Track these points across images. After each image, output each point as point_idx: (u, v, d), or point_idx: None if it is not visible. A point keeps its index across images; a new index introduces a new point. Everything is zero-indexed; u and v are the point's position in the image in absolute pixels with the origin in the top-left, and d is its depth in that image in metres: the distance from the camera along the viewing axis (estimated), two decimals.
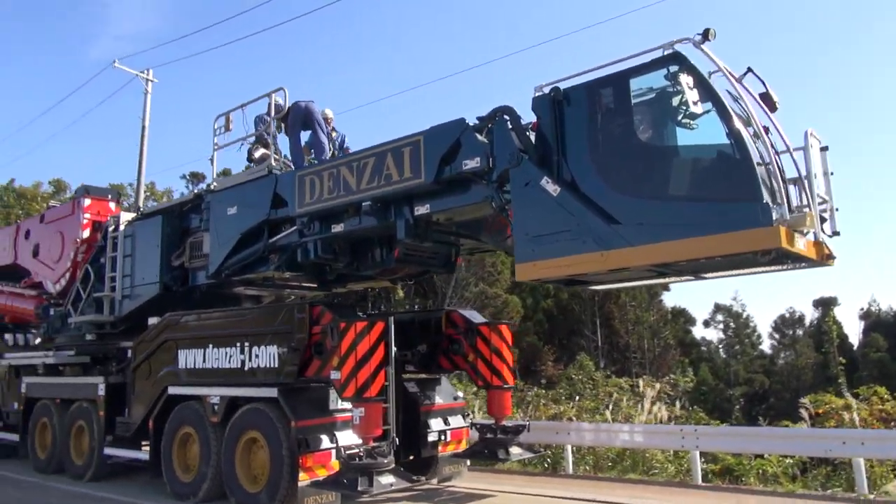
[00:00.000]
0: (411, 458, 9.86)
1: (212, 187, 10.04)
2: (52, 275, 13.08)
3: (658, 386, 15.33)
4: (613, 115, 6.29)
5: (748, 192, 5.36)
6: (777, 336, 48.63)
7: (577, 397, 15.51)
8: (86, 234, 12.47)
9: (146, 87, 23.21)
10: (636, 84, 6.15)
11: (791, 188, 6.17)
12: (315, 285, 11.22)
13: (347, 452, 7.72)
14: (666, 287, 40.03)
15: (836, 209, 6.42)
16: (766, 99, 6.29)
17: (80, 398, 11.77)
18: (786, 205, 5.38)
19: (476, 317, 10.33)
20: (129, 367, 10.88)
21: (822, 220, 6.06)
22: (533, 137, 6.87)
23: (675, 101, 5.96)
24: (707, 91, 5.80)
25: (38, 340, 13.75)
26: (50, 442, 12.31)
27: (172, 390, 9.94)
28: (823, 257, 5.93)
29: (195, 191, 10.40)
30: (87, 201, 12.64)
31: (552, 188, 6.32)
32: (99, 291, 11.49)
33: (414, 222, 8.00)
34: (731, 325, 47.38)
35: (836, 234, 6.35)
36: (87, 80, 69.97)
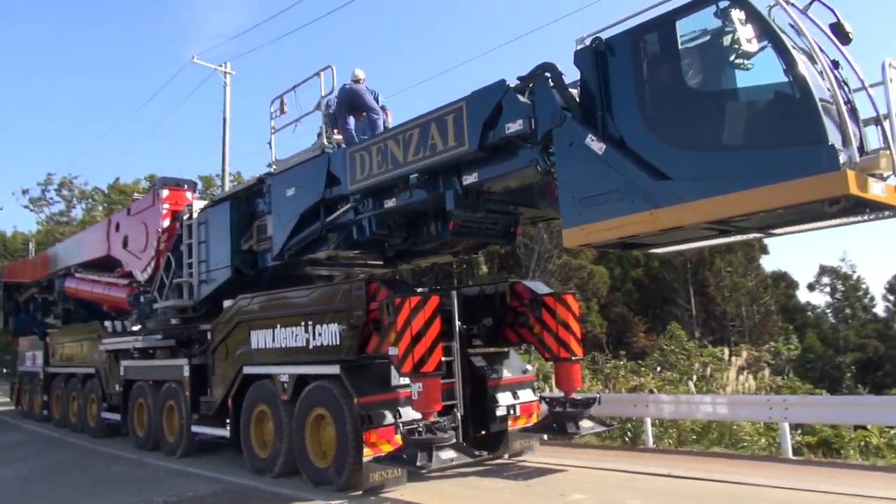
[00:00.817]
0: (482, 433, 9.77)
1: (272, 170, 10.19)
2: (139, 264, 13.80)
3: (744, 354, 14.35)
4: (660, 62, 5.80)
5: (811, 135, 4.78)
6: (892, 298, 44.84)
7: (659, 368, 14.85)
8: (166, 223, 13.04)
9: (225, 80, 24.02)
10: (683, 26, 5.62)
11: (871, 128, 5.50)
12: (381, 263, 11.25)
13: (407, 428, 7.68)
14: (764, 250, 37.85)
15: None
16: (838, 30, 5.60)
17: (169, 379, 12.40)
18: (854, 146, 4.75)
19: (541, 287, 10.01)
20: (210, 349, 11.32)
21: None
22: (577, 94, 6.46)
23: (727, 40, 5.40)
24: (762, 25, 5.21)
25: (132, 326, 14.57)
26: (146, 421, 13.06)
27: (247, 370, 10.26)
28: None
29: (259, 176, 10.51)
30: (165, 192, 13.18)
31: (597, 146, 5.92)
32: (179, 277, 11.99)
33: (464, 192, 7.77)
34: (840, 287, 44.19)
35: None
36: (169, 78, 73.70)
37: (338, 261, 10.65)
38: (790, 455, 9.46)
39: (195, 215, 11.79)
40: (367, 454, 8.12)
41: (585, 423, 9.34)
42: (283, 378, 9.49)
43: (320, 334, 9.02)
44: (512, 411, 9.76)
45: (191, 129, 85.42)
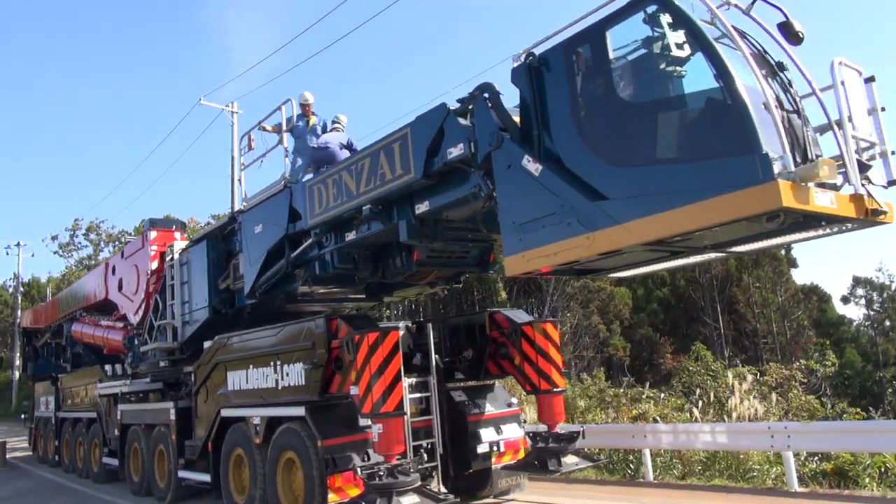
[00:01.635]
0: (467, 472, 9.30)
1: (243, 207, 10.01)
2: (132, 306, 13.73)
3: (773, 373, 13.54)
4: (593, 75, 5.43)
5: (743, 144, 4.35)
6: None
7: (663, 395, 14.15)
8: (154, 265, 12.95)
9: (232, 119, 24.28)
10: (615, 35, 5.25)
11: (830, 133, 5.03)
12: (363, 297, 10.96)
13: (367, 472, 7.27)
14: (794, 263, 36.59)
15: (894, 152, 5.16)
16: (786, 29, 5.17)
17: (159, 423, 12.19)
18: (790, 155, 4.26)
19: (521, 316, 9.57)
20: (192, 391, 11.10)
21: (864, 167, 4.85)
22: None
23: (658, 47, 5.02)
24: (690, 28, 4.81)
25: (130, 370, 14.48)
26: (140, 465, 12.87)
27: (224, 412, 10.00)
28: (867, 214, 4.73)
29: (231, 213, 10.34)
30: (153, 233, 13.12)
31: (534, 167, 5.55)
32: (164, 319, 11.85)
33: (420, 222, 7.44)
34: (876, 298, 42.32)
35: (893, 182, 5.10)
36: (179, 120, 76.42)
37: (313, 296, 10.39)
38: (795, 487, 8.77)
39: (176, 255, 11.66)
40: (333, 499, 7.74)
41: (569, 459, 8.80)
42: (256, 420, 9.20)
43: (288, 374, 8.71)
44: (496, 448, 9.27)
45: (209, 167, 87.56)
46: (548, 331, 9.13)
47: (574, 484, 10.44)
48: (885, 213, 4.78)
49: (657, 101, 5.04)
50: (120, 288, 14.42)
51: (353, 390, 7.65)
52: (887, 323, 40.98)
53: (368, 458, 7.93)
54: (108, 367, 15.51)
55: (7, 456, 22.98)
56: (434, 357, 9.18)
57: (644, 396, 13.52)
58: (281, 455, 8.68)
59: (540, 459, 8.77)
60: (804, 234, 5.20)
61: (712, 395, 12.04)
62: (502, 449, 9.32)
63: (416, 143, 6.78)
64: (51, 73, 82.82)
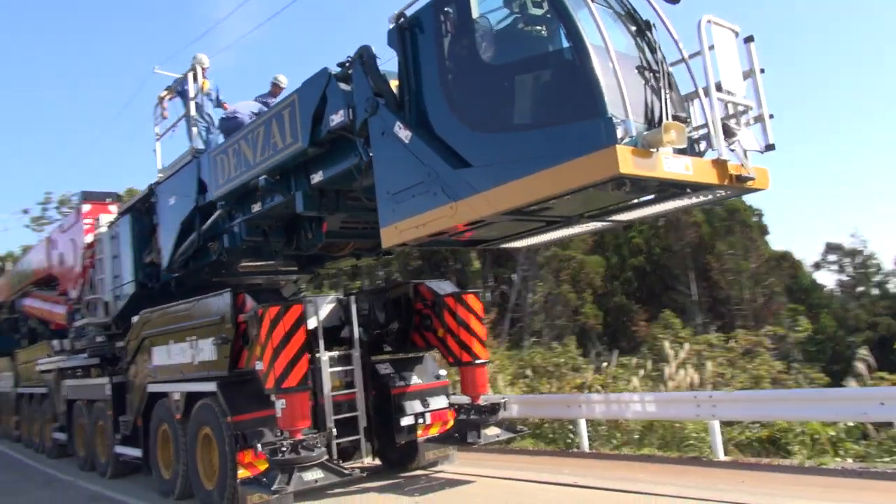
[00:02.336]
0: (394, 445, 9.22)
1: (158, 179, 9.73)
2: (71, 281, 13.51)
3: (687, 346, 13.45)
4: (459, 36, 5.15)
5: (588, 107, 4.11)
6: None
7: (606, 364, 14.10)
8: (88, 238, 12.68)
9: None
10: None
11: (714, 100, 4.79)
12: (295, 269, 10.76)
13: (269, 448, 7.15)
14: (765, 230, 36.52)
15: (772, 116, 4.94)
16: None
17: (98, 398, 12.06)
18: (632, 120, 4.03)
19: (445, 287, 9.38)
20: (124, 367, 10.95)
21: (731, 132, 4.62)
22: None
23: (517, 5, 4.74)
24: None
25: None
26: (84, 441, 12.78)
27: (150, 388, 9.85)
28: (732, 180, 4.52)
29: (150, 185, 10.05)
30: (87, 207, 12.83)
31: (404, 134, 5.31)
32: (95, 294, 11.63)
33: (319, 193, 7.20)
34: (848, 264, 42.35)
35: (770, 147, 4.89)
36: (136, 90, 74.35)
37: (245, 270, 10.18)
38: (721, 456, 8.72)
39: (104, 229, 11.40)
40: (243, 475, 7.62)
41: (491, 431, 8.74)
42: (176, 396, 9.06)
43: (202, 349, 8.55)
44: (421, 420, 9.16)
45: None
46: (469, 302, 8.97)
47: (508, 455, 10.40)
48: (752, 179, 4.57)
49: (515, 64, 4.78)
50: (61, 263, 14.18)
51: (258, 365, 7.49)
52: (860, 288, 41.14)
53: (281, 434, 7.81)
54: (56, 343, 15.33)
55: None
56: (358, 330, 9.05)
57: (584, 366, 13.42)
58: (199, 430, 8.56)
59: (461, 432, 8.71)
60: (680, 202, 5.00)
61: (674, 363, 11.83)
62: (428, 421, 9.20)
63: (302, 111, 6.51)
64: (24, 38, 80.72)
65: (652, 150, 4.04)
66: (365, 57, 5.92)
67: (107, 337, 12.17)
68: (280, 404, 7.28)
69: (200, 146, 8.86)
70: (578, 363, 13.86)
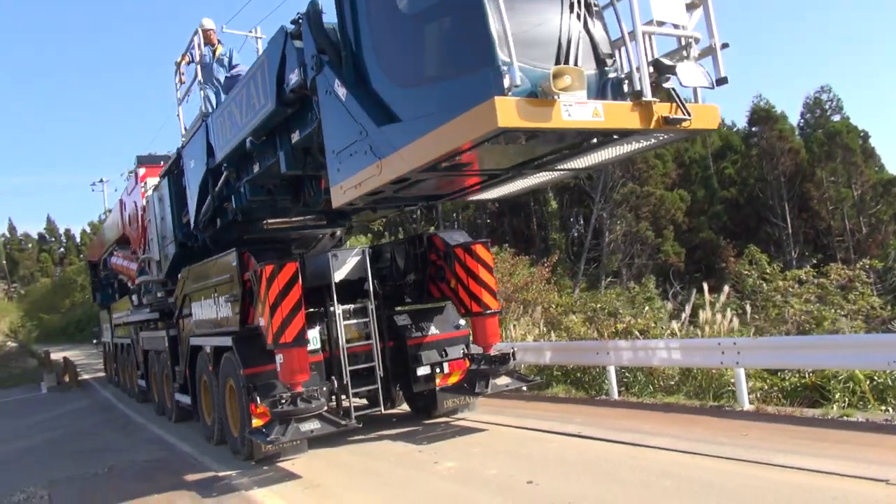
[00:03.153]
0: (415, 393, 9.43)
1: (182, 143, 10.10)
2: (137, 241, 14.44)
3: (727, 290, 12.55)
4: None
5: (479, 55, 3.82)
6: None
7: (647, 308, 13.52)
8: (145, 201, 13.45)
9: (257, 46, 24.14)
10: None
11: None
12: (324, 223, 10.96)
13: (269, 399, 7.47)
14: (871, 154, 33.27)
15: (725, 45, 4.44)
16: None
17: (161, 349, 13.02)
18: (514, 70, 3.68)
19: (456, 238, 9.28)
20: (175, 321, 11.70)
21: (665, 69, 4.17)
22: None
23: None
24: None
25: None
26: (157, 387, 13.89)
27: (192, 341, 10.49)
28: (659, 122, 4.11)
29: (178, 149, 10.45)
30: (142, 170, 13.56)
31: (342, 91, 5.18)
32: (149, 253, 12.40)
33: (303, 152, 7.22)
34: None
35: (722, 81, 4.41)
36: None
37: (260, 228, 10.43)
38: (746, 405, 8.28)
39: (150, 192, 12.03)
40: (256, 424, 8.02)
41: (501, 381, 8.70)
42: (207, 349, 9.61)
43: (222, 306, 8.97)
44: (438, 369, 9.28)
45: None
46: (478, 252, 8.84)
47: (534, 402, 10.35)
48: (685, 120, 4.13)
49: (421, 13, 4.48)
50: (129, 224, 15.15)
51: (260, 322, 7.77)
52: None
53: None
54: (134, 298, 16.56)
55: (86, 376, 25.54)
56: (373, 282, 9.16)
57: (620, 310, 12.95)
58: (226, 382, 9.05)
59: (470, 382, 8.72)
60: (625, 147, 4.62)
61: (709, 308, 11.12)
62: (446, 370, 9.30)
63: (269, 71, 6.49)
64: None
65: (551, 97, 3.73)
66: (311, 13, 5.79)
67: (165, 293, 13.00)
68: (279, 359, 7.55)
69: (211, 110, 9.08)
70: (654, 303, 13.10)
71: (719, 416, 8.06)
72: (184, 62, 9.66)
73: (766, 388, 9.36)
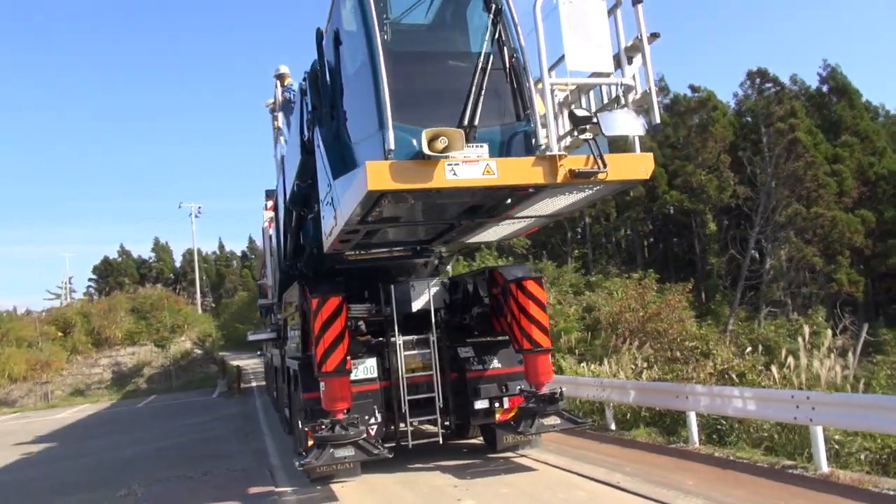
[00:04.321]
0: (473, 425, 9.52)
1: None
2: (262, 266, 16.03)
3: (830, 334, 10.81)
4: (335, 50, 5.18)
5: (379, 118, 3.96)
6: None
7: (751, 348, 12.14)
8: (271, 232, 14.90)
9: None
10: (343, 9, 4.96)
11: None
12: (409, 254, 11.38)
13: (310, 426, 7.98)
14: None
15: (664, 88, 4.18)
16: None
17: (277, 366, 14.29)
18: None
19: (514, 272, 9.23)
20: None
21: (580, 120, 4.00)
22: None
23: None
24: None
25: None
26: (280, 400, 15.21)
27: (287, 362, 11.44)
28: (567, 176, 3.95)
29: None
30: (269, 202, 15.02)
31: (319, 143, 5.56)
32: (263, 279, 13.73)
33: None
34: None
35: (657, 127, 4.16)
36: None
37: (342, 259, 11.02)
38: (823, 468, 7.35)
39: (265, 224, 13.32)
40: (311, 445, 8.59)
41: (549, 420, 8.48)
42: (291, 371, 10.44)
43: (295, 332, 9.74)
44: (497, 404, 9.27)
45: None
46: (529, 288, 8.76)
47: (608, 443, 9.90)
48: (597, 173, 3.93)
49: (355, 73, 4.69)
50: (263, 250, 16.86)
51: (311, 351, 8.35)
52: None
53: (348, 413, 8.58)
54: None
55: (254, 384, 28.25)
56: (437, 313, 9.41)
57: (713, 351, 11.78)
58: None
59: (517, 419, 8.62)
60: (569, 198, 4.49)
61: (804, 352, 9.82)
62: (506, 405, 9.26)
63: (295, 122, 7.08)
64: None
65: (441, 157, 3.77)
66: (310, 72, 6.23)
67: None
68: (321, 386, 8.06)
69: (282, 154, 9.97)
70: (820, 338, 11.51)
71: (782, 479, 7.23)
72: (267, 105, 10.61)
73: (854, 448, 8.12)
